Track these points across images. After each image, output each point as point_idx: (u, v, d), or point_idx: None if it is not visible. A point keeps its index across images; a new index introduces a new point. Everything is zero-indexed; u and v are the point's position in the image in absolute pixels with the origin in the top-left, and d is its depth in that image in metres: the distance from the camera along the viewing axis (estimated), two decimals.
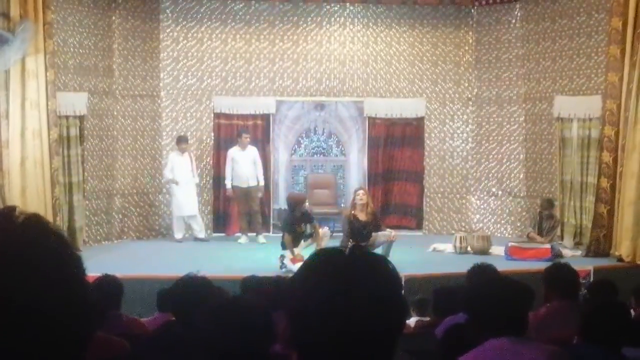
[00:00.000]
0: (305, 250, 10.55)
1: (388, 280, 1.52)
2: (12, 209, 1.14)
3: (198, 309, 4.15)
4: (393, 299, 1.51)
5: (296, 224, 10.89)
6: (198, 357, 3.14)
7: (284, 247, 10.87)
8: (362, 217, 11.06)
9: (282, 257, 10.64)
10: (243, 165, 13.06)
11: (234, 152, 13.15)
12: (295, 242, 10.69)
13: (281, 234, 11.19)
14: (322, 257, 1.58)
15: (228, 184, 13.19)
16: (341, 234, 11.69)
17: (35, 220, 1.12)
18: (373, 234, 11.00)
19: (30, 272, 1.07)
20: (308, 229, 10.96)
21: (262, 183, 13.31)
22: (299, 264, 10.04)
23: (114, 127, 13.12)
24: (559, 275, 5.61)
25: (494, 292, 3.35)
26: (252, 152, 13.19)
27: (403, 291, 1.60)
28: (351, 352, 1.46)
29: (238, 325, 2.74)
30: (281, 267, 10.41)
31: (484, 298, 3.34)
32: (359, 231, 10.98)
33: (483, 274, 5.08)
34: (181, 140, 13.02)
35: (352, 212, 11.12)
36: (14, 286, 1.05)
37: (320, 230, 11.03)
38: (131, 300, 7.84)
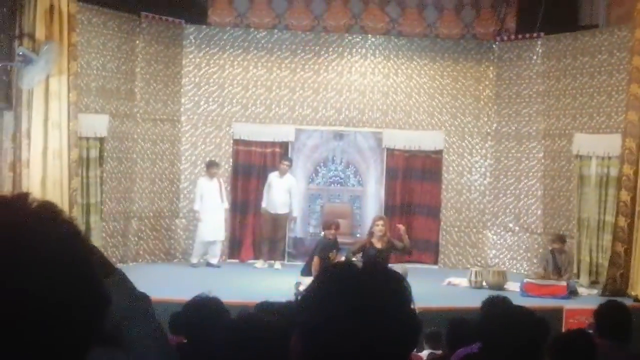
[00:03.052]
0: None
1: (401, 295, 1.51)
2: (25, 195, 1.11)
3: (211, 329, 4.16)
4: (405, 315, 1.49)
5: (328, 249, 10.92)
6: None
7: (304, 273, 10.87)
8: (377, 244, 11.04)
9: (298, 284, 10.61)
10: (276, 192, 13.15)
11: (272, 177, 13.27)
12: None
13: (306, 259, 11.22)
14: (334, 272, 1.57)
15: (263, 205, 13.32)
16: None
17: (48, 208, 1.11)
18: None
19: (39, 260, 1.04)
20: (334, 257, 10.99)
21: (294, 213, 13.37)
22: None
23: (133, 150, 13.19)
24: (612, 315, 5.28)
25: (509, 321, 3.33)
26: (289, 180, 13.27)
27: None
28: None
29: (253, 343, 2.73)
30: (296, 295, 10.35)
31: (498, 327, 3.32)
32: (372, 258, 10.93)
33: (498, 305, 5.03)
34: (211, 165, 13.06)
35: (370, 239, 11.10)
36: (22, 274, 1.03)
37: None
38: None
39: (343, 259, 11.13)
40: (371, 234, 11.15)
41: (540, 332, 3.34)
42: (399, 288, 1.52)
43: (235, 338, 2.76)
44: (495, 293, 6.53)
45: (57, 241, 1.08)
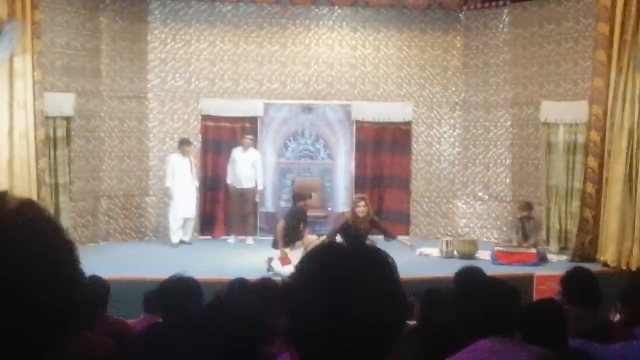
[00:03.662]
0: (293, 254, 10.50)
1: (388, 273, 1.51)
2: (3, 193, 1.10)
3: (188, 309, 4.15)
4: (393, 293, 1.50)
5: (297, 219, 10.86)
6: (188, 357, 3.12)
7: (275, 245, 10.87)
8: (360, 225, 10.81)
9: (270, 259, 10.62)
10: (240, 166, 13.16)
11: (235, 152, 13.26)
12: (289, 238, 10.68)
13: (273, 233, 11.20)
14: (321, 251, 1.57)
15: (228, 181, 13.33)
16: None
17: (28, 206, 1.09)
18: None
19: (21, 259, 1.03)
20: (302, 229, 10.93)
21: (259, 187, 13.36)
22: (287, 266, 10.07)
23: (100, 128, 13.07)
24: (578, 282, 5.28)
25: (482, 292, 3.36)
26: (253, 154, 13.28)
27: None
28: (350, 346, 1.45)
29: (230, 323, 2.73)
30: (268, 270, 10.38)
31: (472, 298, 3.35)
32: (354, 238, 10.73)
33: (471, 276, 5.07)
34: (183, 143, 12.96)
35: (354, 218, 10.85)
36: (2, 273, 1.02)
37: (310, 237, 10.94)
38: (117, 302, 7.79)
39: (312, 235, 11.09)
40: (354, 213, 10.96)
41: (513, 302, 3.38)
42: (385, 266, 1.52)
43: (212, 320, 2.76)
44: (467, 263, 6.57)
45: (36, 241, 1.06)
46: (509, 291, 3.45)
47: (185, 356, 3.31)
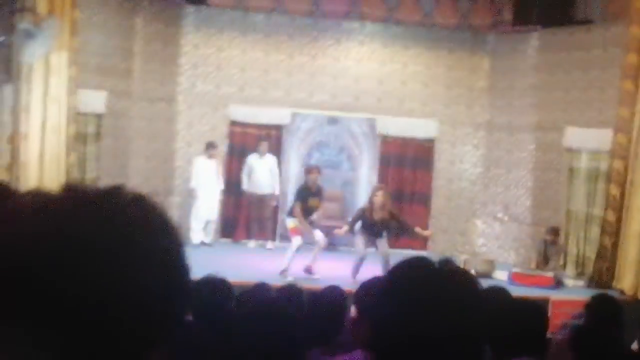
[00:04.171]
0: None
1: (475, 292, 1.58)
2: (119, 187, 1.08)
3: (220, 309, 4.28)
4: (479, 312, 1.56)
5: (308, 195, 10.99)
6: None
7: (288, 214, 11.21)
8: (376, 215, 10.78)
9: (283, 271, 10.70)
10: (259, 173, 13.28)
11: (252, 159, 13.37)
12: (305, 214, 10.87)
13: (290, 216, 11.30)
14: (411, 267, 1.62)
15: (244, 186, 13.46)
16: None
17: (141, 201, 1.07)
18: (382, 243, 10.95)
19: (131, 255, 1.01)
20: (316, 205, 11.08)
21: (277, 192, 13.50)
22: (296, 238, 10.53)
23: (129, 127, 13.25)
24: (603, 309, 5.41)
25: (510, 311, 3.45)
26: (270, 160, 13.41)
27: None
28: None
29: (274, 330, 2.79)
30: (286, 277, 10.46)
31: (499, 318, 3.44)
32: (370, 227, 10.82)
33: (496, 295, 5.15)
34: (209, 146, 13.18)
35: (371, 208, 10.84)
36: (121, 264, 0.99)
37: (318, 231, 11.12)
38: None
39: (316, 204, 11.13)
40: (371, 203, 10.94)
41: (544, 322, 3.47)
42: (472, 285, 1.59)
43: (255, 327, 2.80)
44: (485, 282, 6.66)
45: (153, 233, 1.05)
46: (536, 310, 3.55)
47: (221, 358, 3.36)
